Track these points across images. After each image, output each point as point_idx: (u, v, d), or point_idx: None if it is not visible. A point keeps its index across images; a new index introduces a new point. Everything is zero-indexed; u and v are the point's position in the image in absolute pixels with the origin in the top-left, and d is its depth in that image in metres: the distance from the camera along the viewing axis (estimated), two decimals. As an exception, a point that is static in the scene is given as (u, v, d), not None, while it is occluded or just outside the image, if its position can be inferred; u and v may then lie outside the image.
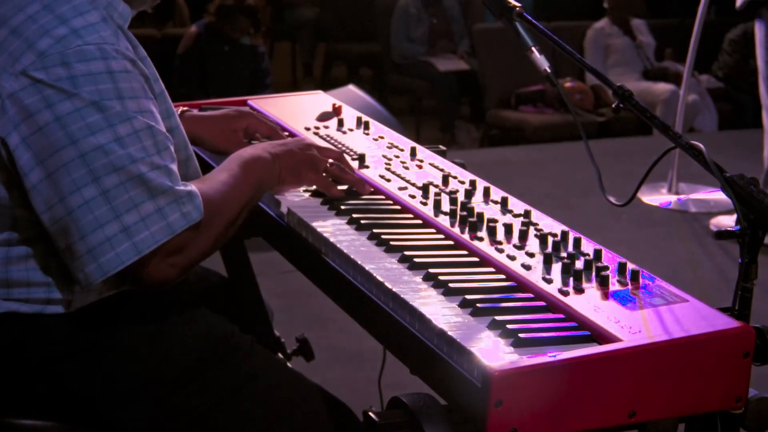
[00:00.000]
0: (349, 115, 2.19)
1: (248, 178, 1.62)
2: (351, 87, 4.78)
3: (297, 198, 1.73)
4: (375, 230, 1.58)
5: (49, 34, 1.39)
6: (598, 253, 1.48)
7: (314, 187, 1.74)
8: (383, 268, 1.45)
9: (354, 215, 1.64)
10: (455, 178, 1.81)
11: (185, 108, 1.97)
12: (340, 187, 1.74)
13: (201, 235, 1.49)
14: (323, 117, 2.18)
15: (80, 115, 1.39)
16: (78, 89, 1.39)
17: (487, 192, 1.73)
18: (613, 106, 1.63)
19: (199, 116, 1.96)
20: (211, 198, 1.52)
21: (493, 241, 1.53)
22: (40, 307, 1.49)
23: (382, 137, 2.06)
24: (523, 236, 1.55)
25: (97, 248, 1.40)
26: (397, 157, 1.93)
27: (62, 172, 1.39)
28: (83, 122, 1.39)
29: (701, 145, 1.47)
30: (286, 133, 2.04)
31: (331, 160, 1.74)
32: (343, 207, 1.68)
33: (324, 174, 1.73)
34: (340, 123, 2.13)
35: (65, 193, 1.39)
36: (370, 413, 1.32)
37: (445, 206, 1.66)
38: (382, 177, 1.81)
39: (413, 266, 1.46)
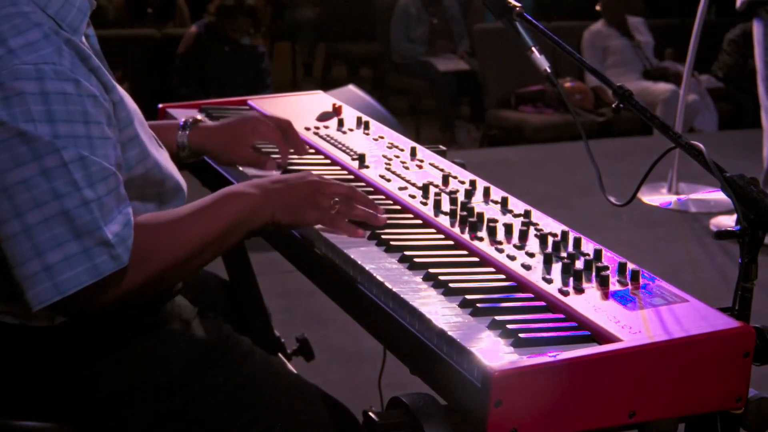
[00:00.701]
0: (349, 115, 2.19)
1: (217, 216, 1.51)
2: (351, 87, 4.77)
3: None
4: (375, 230, 1.58)
5: None
6: (598, 253, 1.48)
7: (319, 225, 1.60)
8: (383, 268, 1.45)
9: (354, 215, 1.64)
10: (455, 178, 1.81)
11: (199, 119, 1.89)
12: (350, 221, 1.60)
13: (134, 274, 1.41)
14: (323, 117, 2.19)
15: (5, 146, 1.33)
16: (8, 111, 1.33)
17: (487, 192, 1.73)
18: (613, 106, 1.63)
19: (205, 128, 1.88)
20: (151, 236, 1.44)
21: (493, 241, 1.53)
22: (23, 320, 1.48)
23: (382, 137, 2.06)
24: (523, 236, 1.55)
25: (23, 283, 1.35)
26: (397, 157, 1.93)
27: None
28: (8, 154, 1.33)
29: (701, 145, 1.47)
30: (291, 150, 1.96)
31: (336, 198, 1.57)
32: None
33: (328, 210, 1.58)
34: (340, 123, 2.13)
35: None
36: (370, 413, 1.32)
37: (445, 206, 1.66)
38: (382, 177, 1.81)
39: (413, 266, 1.46)
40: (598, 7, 7.55)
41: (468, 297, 1.35)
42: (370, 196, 1.74)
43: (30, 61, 1.35)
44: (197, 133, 1.86)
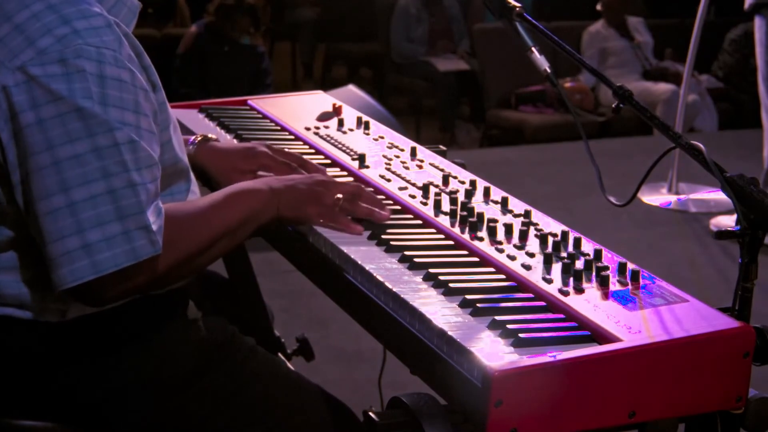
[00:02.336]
0: (349, 115, 2.19)
1: (232, 210, 1.55)
2: (351, 87, 4.77)
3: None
4: (375, 230, 1.58)
5: (51, 33, 1.38)
6: (598, 253, 1.48)
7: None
8: (383, 268, 1.45)
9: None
10: (455, 178, 1.81)
11: (210, 137, 1.87)
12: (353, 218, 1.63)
13: (162, 261, 1.44)
14: (323, 117, 2.19)
15: (62, 120, 1.36)
16: (68, 86, 1.36)
17: (487, 192, 1.73)
18: (613, 106, 1.63)
19: (212, 149, 1.85)
20: (178, 224, 1.47)
21: (493, 241, 1.53)
22: (34, 314, 1.48)
23: (382, 137, 2.06)
24: (523, 236, 1.55)
25: (57, 259, 1.36)
26: (397, 157, 1.93)
27: (36, 177, 1.36)
28: (63, 128, 1.36)
29: (701, 145, 1.47)
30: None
31: (339, 195, 1.62)
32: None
33: (330, 207, 1.61)
34: (340, 123, 2.13)
35: (36, 199, 1.37)
36: (370, 413, 1.32)
37: (445, 206, 1.66)
38: (382, 177, 1.81)
39: (413, 266, 1.46)
40: (599, 8, 7.55)
41: (468, 297, 1.35)
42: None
43: (93, 43, 1.39)
44: (201, 153, 1.84)
